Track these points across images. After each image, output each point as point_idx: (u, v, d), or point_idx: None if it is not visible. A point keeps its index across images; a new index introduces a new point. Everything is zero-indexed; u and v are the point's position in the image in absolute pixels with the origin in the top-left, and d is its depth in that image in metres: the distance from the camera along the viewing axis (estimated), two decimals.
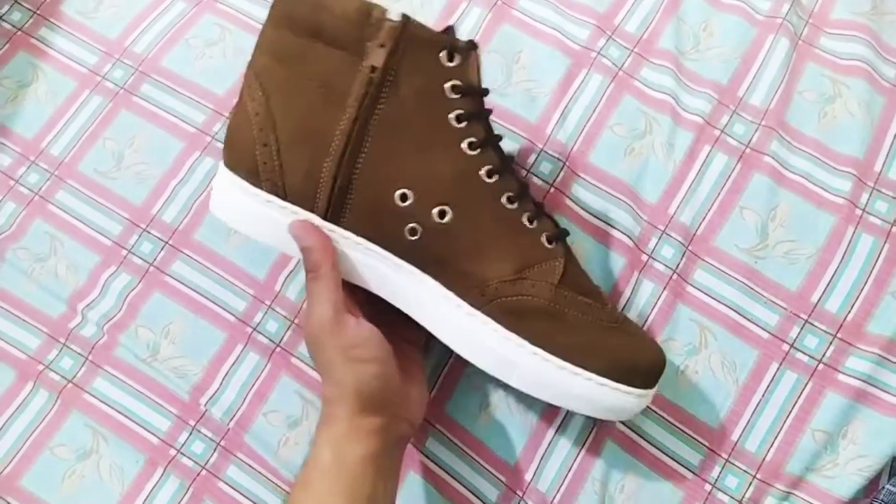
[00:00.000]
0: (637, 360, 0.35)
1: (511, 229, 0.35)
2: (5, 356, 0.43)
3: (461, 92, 0.33)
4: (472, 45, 0.33)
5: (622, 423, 0.40)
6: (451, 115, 0.33)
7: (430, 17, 0.47)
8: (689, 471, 0.39)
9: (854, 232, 0.41)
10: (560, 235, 0.36)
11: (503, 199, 0.34)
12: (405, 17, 0.32)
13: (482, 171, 0.34)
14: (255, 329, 0.43)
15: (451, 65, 0.32)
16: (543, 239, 0.35)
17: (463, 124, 0.33)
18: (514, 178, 0.35)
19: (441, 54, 0.32)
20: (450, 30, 0.36)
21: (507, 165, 0.35)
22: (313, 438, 0.34)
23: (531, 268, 0.34)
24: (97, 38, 0.48)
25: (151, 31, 0.48)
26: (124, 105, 0.47)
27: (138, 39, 0.48)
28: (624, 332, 0.36)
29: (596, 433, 0.40)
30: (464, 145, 0.33)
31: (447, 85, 0.32)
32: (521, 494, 0.40)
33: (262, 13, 0.48)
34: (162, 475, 0.41)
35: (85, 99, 0.47)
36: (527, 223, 0.35)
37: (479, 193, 0.34)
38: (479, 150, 0.34)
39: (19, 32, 0.49)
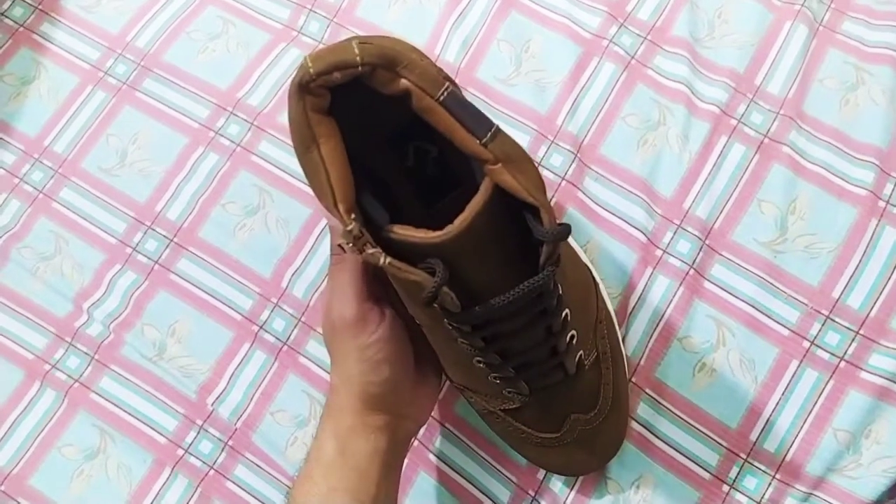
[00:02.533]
0: (573, 470, 0.38)
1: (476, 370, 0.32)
2: (12, 356, 0.43)
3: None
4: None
5: (637, 422, 0.39)
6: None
7: (437, 5, 0.46)
8: (707, 471, 0.38)
9: (877, 224, 0.40)
10: (522, 394, 0.33)
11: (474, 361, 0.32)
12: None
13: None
14: (261, 327, 0.42)
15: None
16: (506, 392, 0.34)
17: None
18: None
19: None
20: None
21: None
22: (316, 432, 0.33)
23: (476, 391, 0.35)
24: (99, 33, 0.48)
25: (153, 24, 0.47)
26: (127, 101, 0.46)
27: (140, 34, 0.47)
28: (564, 449, 0.36)
29: None
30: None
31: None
32: (532, 494, 0.39)
33: (265, 5, 0.47)
34: (170, 475, 0.41)
35: (88, 95, 0.46)
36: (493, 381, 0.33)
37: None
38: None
39: (21, 28, 0.48)
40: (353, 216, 0.25)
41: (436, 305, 0.26)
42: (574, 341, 0.32)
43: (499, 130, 0.25)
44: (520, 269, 0.26)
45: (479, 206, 0.24)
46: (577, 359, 0.33)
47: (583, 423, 0.35)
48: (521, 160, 0.25)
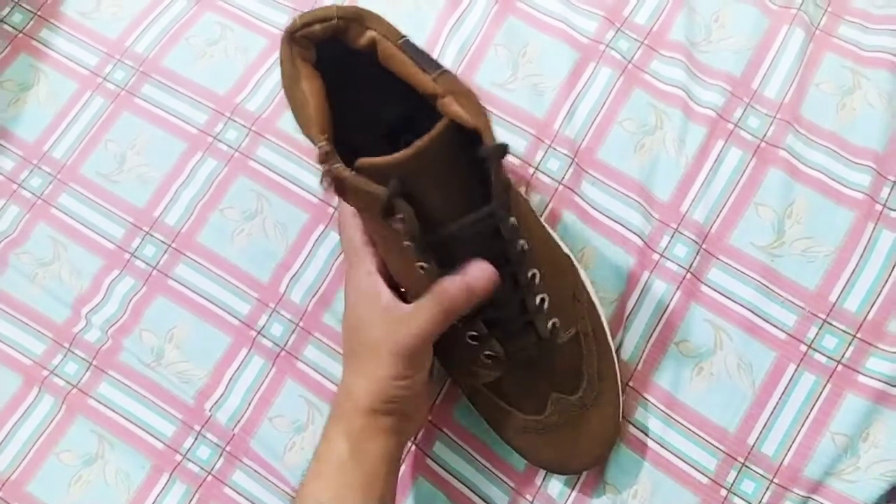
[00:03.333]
0: (565, 465, 0.38)
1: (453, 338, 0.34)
2: (10, 362, 0.43)
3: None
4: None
5: (634, 426, 0.39)
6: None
7: (434, 10, 0.46)
8: (704, 475, 0.38)
9: (874, 228, 0.40)
10: (499, 359, 0.34)
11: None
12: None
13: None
14: (259, 333, 0.42)
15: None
16: (483, 357, 0.35)
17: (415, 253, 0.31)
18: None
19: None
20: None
21: None
22: (324, 432, 0.33)
23: (459, 364, 0.36)
24: (98, 39, 0.48)
25: (152, 30, 0.47)
26: (126, 106, 0.46)
27: (139, 39, 0.47)
28: (553, 436, 0.36)
29: None
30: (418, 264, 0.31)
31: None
32: (530, 499, 0.39)
33: (263, 10, 0.47)
34: (168, 481, 0.41)
35: (86, 101, 0.46)
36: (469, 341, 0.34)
37: None
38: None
39: (20, 35, 0.48)
40: (325, 136, 0.29)
41: (398, 226, 0.28)
42: (545, 306, 0.34)
43: (446, 69, 0.30)
44: (477, 205, 0.30)
45: (434, 134, 0.27)
46: (550, 325, 0.34)
47: (567, 406, 0.36)
48: (464, 94, 0.29)
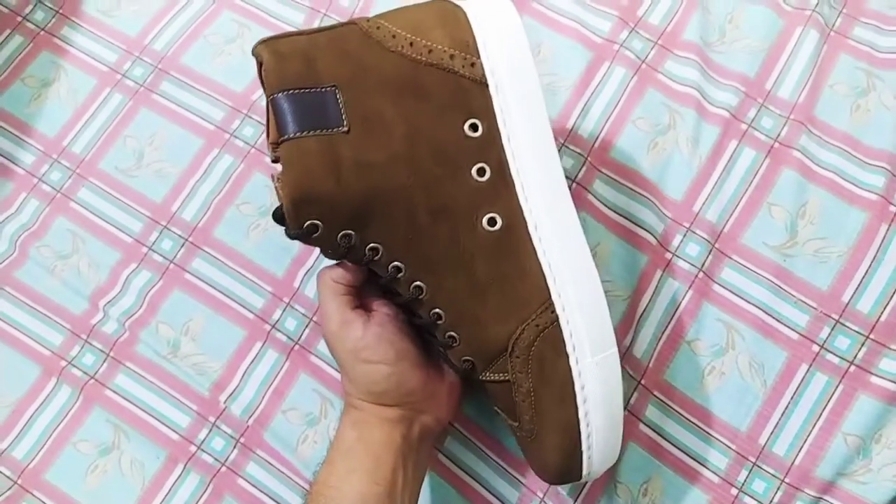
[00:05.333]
0: (541, 475, 0.35)
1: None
2: (30, 352, 0.44)
3: None
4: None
5: (645, 424, 0.39)
6: None
7: None
8: (715, 474, 0.38)
9: (888, 229, 0.40)
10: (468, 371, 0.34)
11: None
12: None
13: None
14: (273, 326, 0.43)
15: None
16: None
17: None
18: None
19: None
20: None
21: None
22: (338, 424, 0.35)
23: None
24: (117, 36, 0.48)
25: (171, 28, 0.48)
26: (144, 103, 0.47)
27: (158, 37, 0.48)
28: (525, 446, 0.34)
29: None
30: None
31: None
32: (541, 496, 0.40)
33: (281, 9, 0.48)
34: (182, 471, 0.41)
35: (106, 97, 0.47)
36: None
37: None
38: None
39: (42, 32, 0.49)
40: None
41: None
42: (455, 345, 0.33)
43: (294, 136, 0.30)
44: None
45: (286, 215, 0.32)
46: (461, 362, 0.33)
47: (515, 429, 0.34)
48: (286, 164, 0.31)
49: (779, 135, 0.42)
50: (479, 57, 0.33)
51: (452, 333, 0.33)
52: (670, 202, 0.42)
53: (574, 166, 0.43)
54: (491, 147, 0.32)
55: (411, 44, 0.32)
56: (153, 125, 0.46)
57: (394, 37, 0.33)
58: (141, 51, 0.48)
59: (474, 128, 0.32)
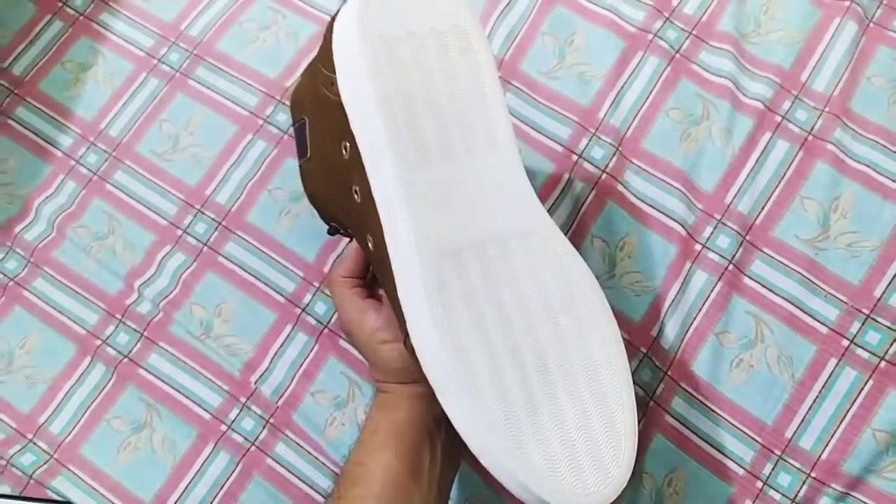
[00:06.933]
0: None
1: None
2: (66, 331, 0.45)
3: None
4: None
5: (671, 415, 0.39)
6: None
7: (480, 1, 0.46)
8: (741, 467, 0.38)
9: None
10: None
11: None
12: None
13: None
14: (303, 310, 0.44)
15: None
16: None
17: None
18: None
19: None
20: None
21: None
22: (365, 408, 0.37)
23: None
24: (154, 22, 0.49)
25: (206, 14, 0.49)
26: (180, 88, 0.48)
27: (193, 23, 0.49)
28: None
29: (645, 426, 0.39)
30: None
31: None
32: None
33: None
34: (213, 450, 0.42)
35: (142, 81, 0.48)
36: None
37: None
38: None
39: (81, 17, 0.50)
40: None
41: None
42: None
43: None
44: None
45: None
46: None
47: None
48: None
49: (813, 127, 0.42)
50: (335, 74, 0.32)
51: None
52: (702, 193, 0.41)
53: (605, 156, 0.43)
54: (356, 168, 0.32)
55: (330, 80, 0.33)
56: (188, 110, 0.47)
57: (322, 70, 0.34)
58: (177, 36, 0.49)
59: (345, 149, 0.33)
